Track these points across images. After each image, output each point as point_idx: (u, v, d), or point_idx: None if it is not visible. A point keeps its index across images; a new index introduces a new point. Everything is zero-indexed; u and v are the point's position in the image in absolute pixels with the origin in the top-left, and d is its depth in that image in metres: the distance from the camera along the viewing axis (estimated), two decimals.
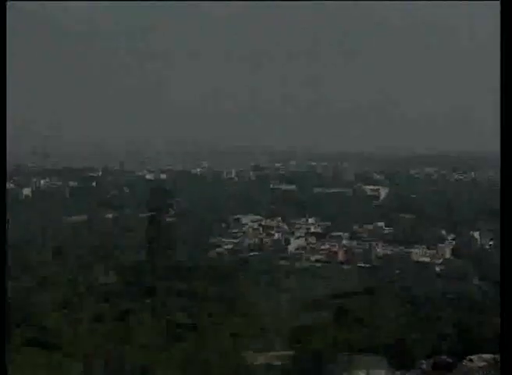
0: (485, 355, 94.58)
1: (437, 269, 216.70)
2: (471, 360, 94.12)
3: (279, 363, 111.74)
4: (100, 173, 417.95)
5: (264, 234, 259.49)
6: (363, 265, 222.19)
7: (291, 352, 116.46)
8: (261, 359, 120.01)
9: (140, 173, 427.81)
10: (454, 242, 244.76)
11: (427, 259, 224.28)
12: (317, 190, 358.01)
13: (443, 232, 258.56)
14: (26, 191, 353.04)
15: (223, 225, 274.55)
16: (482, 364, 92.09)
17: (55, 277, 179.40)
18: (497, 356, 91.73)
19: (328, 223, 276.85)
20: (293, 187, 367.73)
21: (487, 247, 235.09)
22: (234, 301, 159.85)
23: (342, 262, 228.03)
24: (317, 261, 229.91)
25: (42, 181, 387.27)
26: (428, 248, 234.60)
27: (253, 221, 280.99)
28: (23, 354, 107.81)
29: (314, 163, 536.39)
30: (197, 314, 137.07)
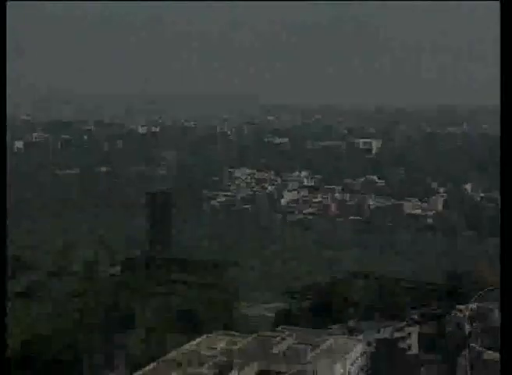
0: (472, 305, 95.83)
1: (428, 221, 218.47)
2: (459, 310, 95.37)
3: (272, 315, 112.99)
4: (92, 127, 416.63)
5: (257, 187, 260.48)
6: (355, 217, 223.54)
7: (283, 304, 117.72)
8: (253, 311, 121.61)
9: (132, 126, 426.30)
10: (446, 195, 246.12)
11: (419, 212, 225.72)
12: (309, 143, 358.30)
13: (435, 185, 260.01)
14: (19, 144, 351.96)
15: (216, 178, 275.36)
16: (470, 314, 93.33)
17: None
18: (486, 306, 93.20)
19: (321, 177, 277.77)
20: (285, 140, 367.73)
21: (478, 199, 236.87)
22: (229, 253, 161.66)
23: (334, 215, 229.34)
24: (309, 214, 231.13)
25: (34, 134, 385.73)
26: (420, 201, 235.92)
27: (246, 174, 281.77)
28: None
29: (306, 117, 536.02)
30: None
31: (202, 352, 73.51)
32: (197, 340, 78.47)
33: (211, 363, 70.03)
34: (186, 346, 76.66)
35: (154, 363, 70.17)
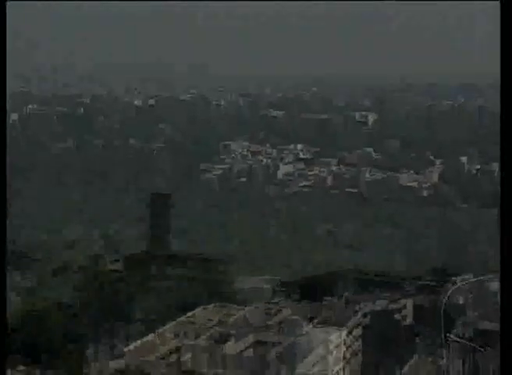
0: (467, 277, 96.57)
1: (424, 193, 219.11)
2: (454, 282, 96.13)
3: (269, 287, 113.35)
4: (88, 100, 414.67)
5: (253, 160, 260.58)
6: (351, 190, 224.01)
7: (279, 277, 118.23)
8: (249, 283, 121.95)
9: (127, 99, 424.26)
10: (442, 167, 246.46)
11: (414, 184, 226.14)
12: (305, 116, 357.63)
13: (431, 157, 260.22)
14: (14, 116, 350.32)
15: (212, 151, 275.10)
16: (465, 286, 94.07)
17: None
18: (480, 278, 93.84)
19: (317, 149, 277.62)
20: (281, 113, 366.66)
21: (474, 172, 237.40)
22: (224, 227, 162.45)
23: (330, 188, 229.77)
24: (305, 186, 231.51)
25: (30, 106, 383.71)
26: (416, 173, 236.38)
27: (242, 147, 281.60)
28: None
29: (302, 90, 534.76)
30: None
31: (198, 324, 74.22)
32: (194, 311, 79.19)
33: (207, 334, 70.69)
34: (183, 318, 77.37)
35: (152, 334, 70.73)
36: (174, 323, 75.15)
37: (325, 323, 75.99)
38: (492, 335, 76.99)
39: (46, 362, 64.37)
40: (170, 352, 67.32)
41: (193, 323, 74.62)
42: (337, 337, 75.13)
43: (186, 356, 67.94)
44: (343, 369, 77.54)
